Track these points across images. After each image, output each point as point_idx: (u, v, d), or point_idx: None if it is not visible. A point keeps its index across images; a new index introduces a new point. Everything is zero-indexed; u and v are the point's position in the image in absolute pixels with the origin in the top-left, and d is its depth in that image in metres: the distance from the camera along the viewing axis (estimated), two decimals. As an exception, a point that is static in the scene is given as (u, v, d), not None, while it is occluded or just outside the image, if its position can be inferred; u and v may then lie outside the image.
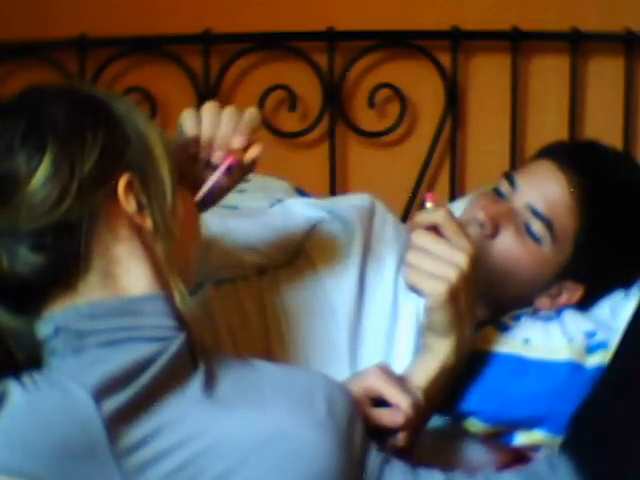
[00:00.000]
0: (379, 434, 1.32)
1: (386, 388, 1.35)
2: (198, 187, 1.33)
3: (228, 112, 1.34)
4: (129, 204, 1.19)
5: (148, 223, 1.20)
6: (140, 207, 1.19)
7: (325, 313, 1.58)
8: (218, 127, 1.33)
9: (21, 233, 1.15)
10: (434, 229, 1.40)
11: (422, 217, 1.42)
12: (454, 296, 1.38)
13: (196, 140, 1.33)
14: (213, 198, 1.37)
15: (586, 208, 1.57)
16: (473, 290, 1.41)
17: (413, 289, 1.41)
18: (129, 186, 1.18)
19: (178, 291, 1.20)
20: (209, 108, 1.35)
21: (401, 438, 1.35)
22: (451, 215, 1.41)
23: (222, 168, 1.34)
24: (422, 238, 1.40)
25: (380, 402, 1.36)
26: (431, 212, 1.42)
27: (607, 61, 2.22)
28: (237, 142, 1.33)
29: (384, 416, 1.34)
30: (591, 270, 1.58)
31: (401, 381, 1.38)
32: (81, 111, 1.20)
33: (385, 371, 1.37)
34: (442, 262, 1.38)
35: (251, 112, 1.36)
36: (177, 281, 1.21)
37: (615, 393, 1.40)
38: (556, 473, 1.31)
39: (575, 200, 1.57)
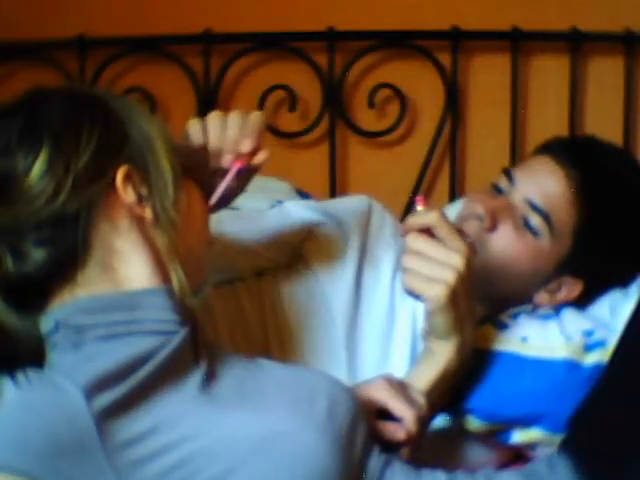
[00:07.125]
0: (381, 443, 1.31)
1: (391, 401, 1.34)
2: (207, 194, 1.34)
3: (234, 117, 1.35)
4: (128, 194, 1.20)
5: (148, 213, 1.21)
6: (140, 198, 1.21)
7: (323, 316, 1.58)
8: (225, 133, 1.34)
9: (23, 228, 1.16)
10: (427, 231, 1.40)
11: (415, 219, 1.41)
12: (453, 298, 1.38)
13: (204, 149, 1.34)
14: (222, 202, 1.38)
15: (584, 202, 1.56)
16: (470, 291, 1.41)
17: (411, 294, 1.41)
18: (127, 177, 1.20)
19: (178, 281, 1.21)
20: (215, 116, 1.36)
21: (402, 452, 1.34)
22: (444, 217, 1.41)
23: (232, 172, 1.36)
24: (416, 241, 1.40)
25: (384, 412, 1.34)
26: (423, 214, 1.42)
27: (607, 61, 2.22)
28: (246, 146, 1.35)
29: (386, 430, 1.33)
30: (590, 264, 1.58)
31: (406, 391, 1.37)
32: (78, 110, 1.22)
33: (391, 383, 1.36)
34: (439, 265, 1.38)
35: (256, 115, 1.37)
36: (177, 271, 1.21)
37: (614, 393, 1.40)
38: (555, 473, 1.31)
39: (573, 194, 1.56)
